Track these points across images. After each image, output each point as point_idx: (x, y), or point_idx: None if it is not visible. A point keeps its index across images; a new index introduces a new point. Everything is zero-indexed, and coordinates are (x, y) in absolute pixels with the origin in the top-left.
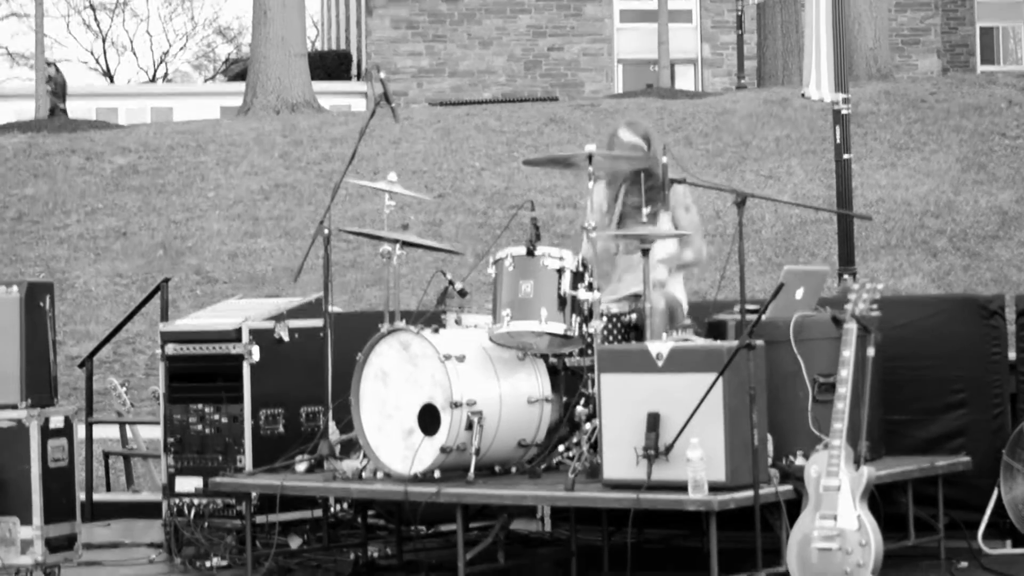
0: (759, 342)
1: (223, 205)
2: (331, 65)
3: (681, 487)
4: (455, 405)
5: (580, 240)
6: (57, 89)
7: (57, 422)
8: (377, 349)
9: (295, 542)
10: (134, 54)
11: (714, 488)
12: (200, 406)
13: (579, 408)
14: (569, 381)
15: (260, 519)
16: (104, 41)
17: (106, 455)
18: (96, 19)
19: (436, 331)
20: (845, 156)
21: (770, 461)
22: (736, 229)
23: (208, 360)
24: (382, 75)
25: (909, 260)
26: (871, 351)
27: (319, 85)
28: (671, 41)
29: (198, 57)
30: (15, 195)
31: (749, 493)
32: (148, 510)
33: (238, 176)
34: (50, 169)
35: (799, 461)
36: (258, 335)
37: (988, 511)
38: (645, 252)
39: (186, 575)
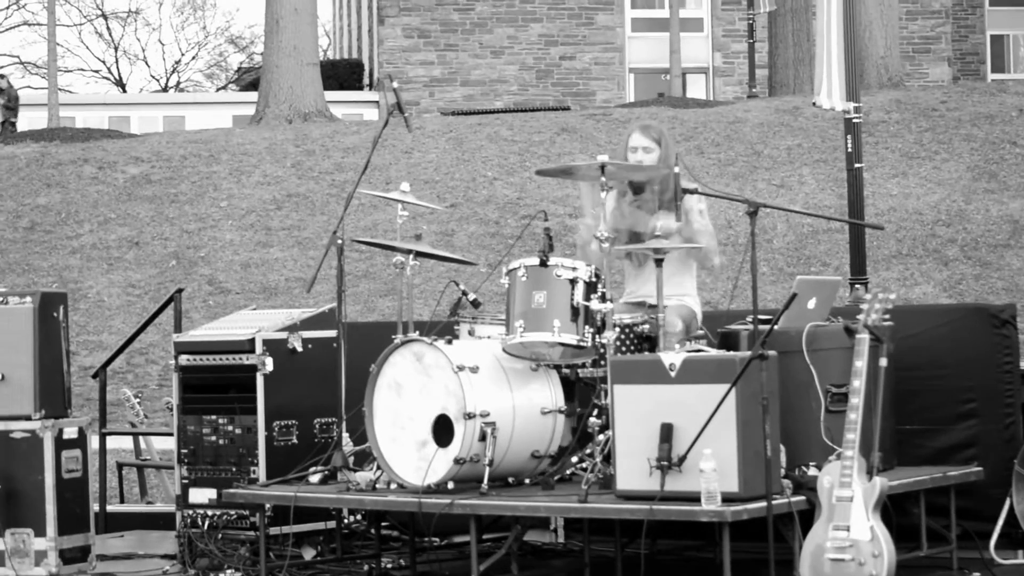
0: (772, 352)
1: (236, 215)
2: (343, 74)
3: (694, 498)
4: (468, 416)
5: (589, 249)
6: (10, 103)
7: (71, 433)
8: (391, 360)
9: (309, 553)
10: (146, 63)
11: (727, 499)
12: (214, 417)
13: (592, 419)
14: (582, 392)
15: (274, 530)
16: (116, 50)
17: (120, 466)
18: (108, 28)
19: (449, 342)
20: (856, 165)
21: (783, 472)
22: (748, 239)
23: (221, 371)
24: (395, 85)
25: (920, 269)
26: (884, 361)
27: (331, 94)
28: (682, 50)
29: (210, 66)
30: (28, 205)
31: (762, 504)
32: (162, 521)
33: (251, 186)
34: (63, 179)
35: (812, 472)
36: (271, 346)
37: (1000, 521)
38: (659, 262)
39: None
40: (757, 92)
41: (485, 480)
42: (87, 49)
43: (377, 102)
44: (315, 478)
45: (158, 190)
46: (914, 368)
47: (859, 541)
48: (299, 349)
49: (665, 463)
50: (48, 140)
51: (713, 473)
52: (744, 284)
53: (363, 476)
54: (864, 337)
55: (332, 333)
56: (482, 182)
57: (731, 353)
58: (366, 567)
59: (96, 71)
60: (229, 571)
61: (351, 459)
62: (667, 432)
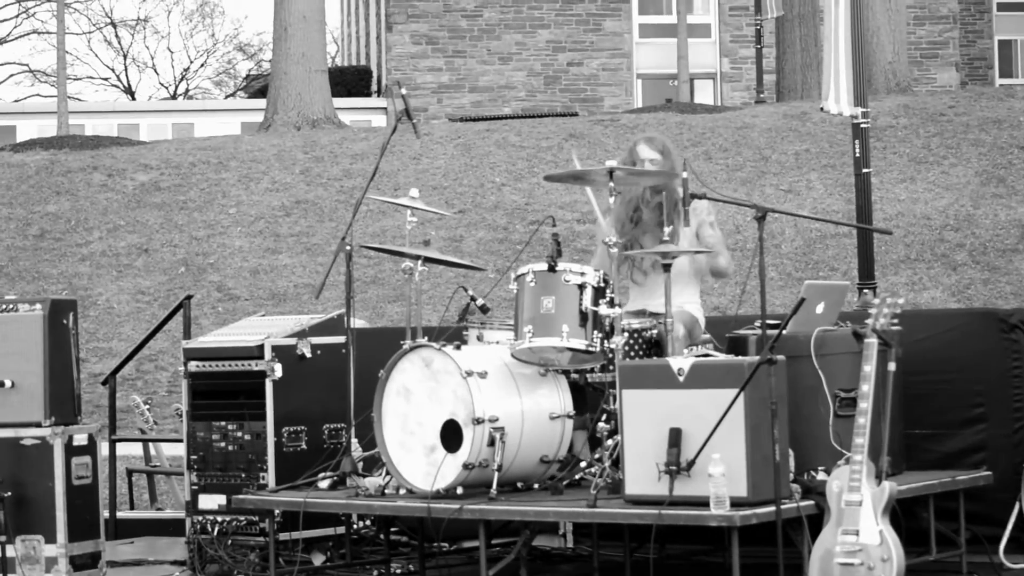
0: (780, 357)
1: (244, 222)
2: (351, 81)
3: (703, 503)
4: (477, 421)
5: (598, 254)
6: None
7: (81, 440)
8: (399, 366)
9: (318, 559)
10: (155, 71)
11: (736, 504)
12: (223, 423)
13: (601, 424)
14: (591, 397)
15: (283, 536)
16: (125, 58)
17: (129, 472)
18: (117, 36)
19: (458, 347)
20: (864, 170)
21: (792, 476)
22: (756, 244)
23: (231, 377)
24: (403, 91)
25: (929, 274)
26: (892, 366)
27: (339, 101)
28: (690, 56)
29: (219, 74)
30: (37, 212)
31: (771, 508)
32: (171, 527)
33: (259, 192)
34: (72, 186)
35: (821, 476)
36: (281, 352)
37: (1009, 525)
38: (666, 268)
39: None
40: (765, 97)
41: (494, 485)
42: (96, 57)
43: (385, 109)
44: (324, 484)
45: (167, 197)
46: (923, 372)
47: (868, 545)
48: (308, 355)
49: (674, 468)
50: (57, 148)
51: (722, 478)
52: (752, 289)
53: (372, 481)
54: (873, 342)
55: (341, 339)
56: (490, 188)
57: (739, 358)
58: (375, 572)
59: (105, 79)
60: None
61: (360, 464)
62: (676, 437)
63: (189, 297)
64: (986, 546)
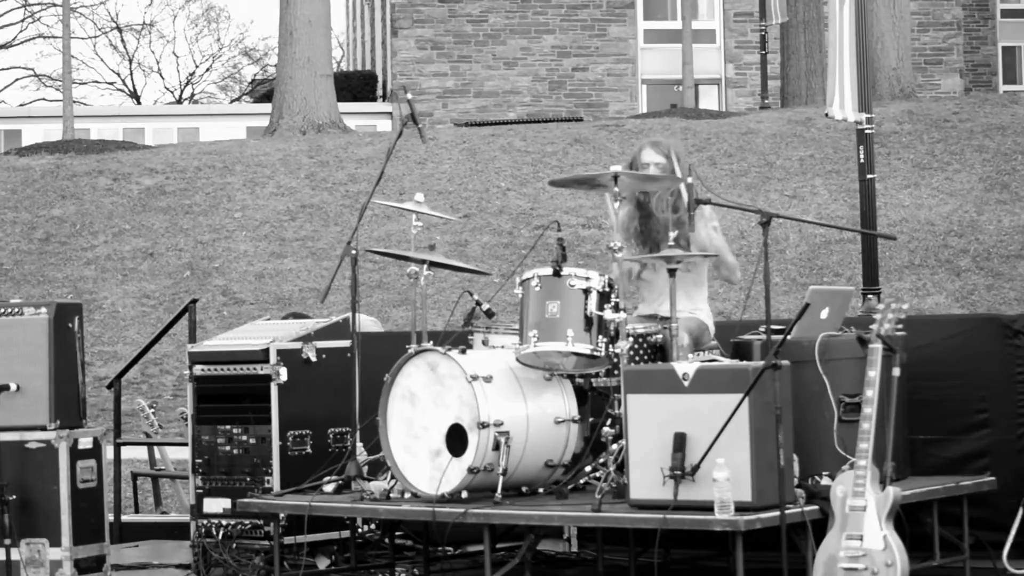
0: (785, 362)
1: (250, 226)
2: (356, 86)
3: (707, 507)
4: (482, 425)
5: (606, 260)
6: None
7: (86, 443)
8: (404, 370)
9: (323, 563)
10: (160, 75)
11: (740, 508)
12: (228, 427)
13: (606, 428)
14: (596, 401)
15: (288, 540)
16: (131, 62)
17: (134, 476)
18: (123, 40)
19: (463, 351)
20: (869, 176)
21: (796, 481)
22: (761, 249)
23: (236, 381)
24: (409, 96)
25: (933, 280)
26: (897, 371)
27: (344, 106)
28: (695, 61)
29: (224, 78)
30: (43, 216)
31: (775, 513)
32: (176, 531)
33: (264, 197)
34: (77, 190)
35: (825, 481)
36: (286, 356)
37: (1013, 530)
38: (672, 272)
39: None
40: (769, 103)
41: (499, 489)
42: (102, 61)
43: (390, 113)
44: (329, 487)
45: (172, 201)
46: (927, 378)
47: (872, 550)
48: (313, 359)
49: (678, 472)
50: (63, 152)
51: (726, 482)
52: (757, 294)
53: (377, 485)
54: (877, 347)
55: (346, 343)
56: (495, 193)
57: (744, 363)
58: None
59: (111, 83)
60: None
61: (365, 468)
62: (680, 441)
63: (194, 301)
64: (990, 551)
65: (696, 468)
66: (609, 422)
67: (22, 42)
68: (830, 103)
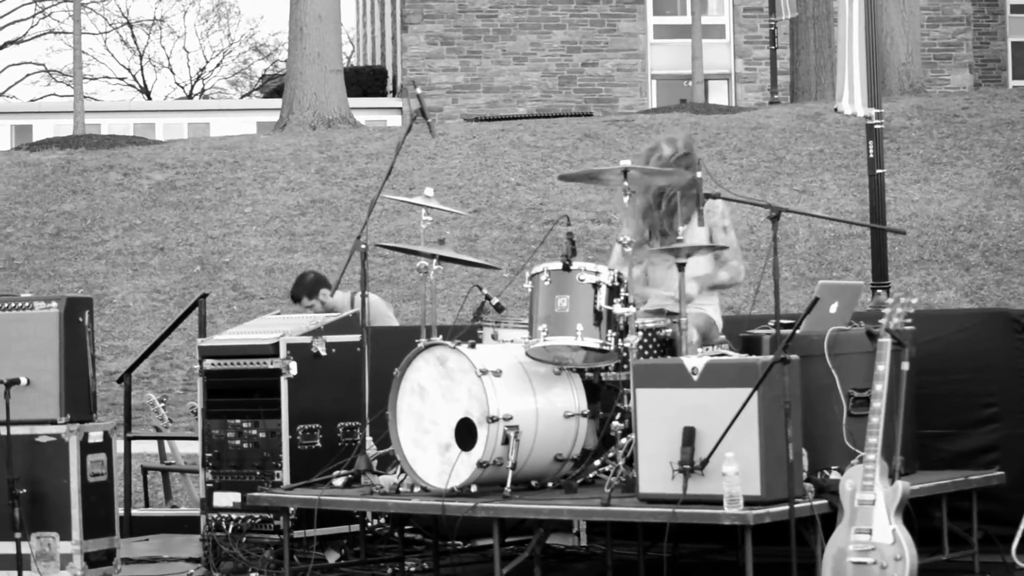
0: (794, 356)
1: (260, 221)
2: (366, 81)
3: (717, 501)
4: (492, 420)
5: (614, 254)
6: None
7: (96, 437)
8: (414, 364)
9: (332, 556)
10: (171, 71)
11: (749, 502)
12: (238, 421)
13: (615, 423)
14: (605, 395)
15: (298, 534)
16: (141, 58)
17: (144, 470)
18: (133, 36)
19: (473, 346)
20: (878, 171)
21: (805, 475)
22: (770, 244)
23: (246, 375)
24: (418, 91)
25: (942, 274)
26: (905, 365)
27: (354, 101)
28: (704, 56)
29: (234, 73)
30: (53, 211)
31: (784, 508)
32: (186, 525)
33: (275, 192)
34: (88, 185)
35: (834, 475)
36: (296, 350)
37: (1022, 525)
38: (680, 267)
39: None
40: (779, 98)
41: (508, 483)
42: (112, 57)
43: (400, 108)
44: (339, 481)
45: (183, 196)
46: (936, 372)
47: (881, 545)
48: (323, 353)
49: (688, 466)
50: (74, 147)
51: (735, 476)
52: (766, 289)
53: (387, 479)
54: (886, 341)
55: (356, 337)
56: (505, 188)
57: (753, 357)
58: (389, 570)
59: (121, 79)
60: (253, 574)
61: (375, 463)
62: (690, 436)
63: (204, 295)
64: (999, 546)
65: (705, 462)
66: (618, 416)
67: (33, 38)
68: (839, 98)
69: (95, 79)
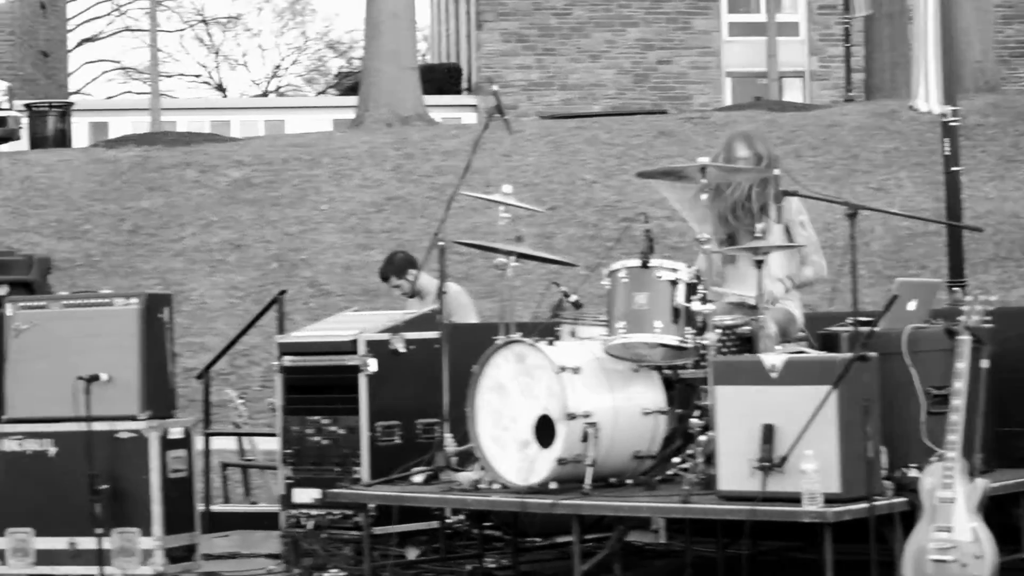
0: (872, 354)
1: (336, 218)
2: (441, 78)
3: (796, 499)
4: (570, 417)
5: (693, 252)
6: None
7: (176, 433)
8: (493, 361)
9: (412, 553)
10: (246, 68)
11: (829, 500)
12: (317, 418)
13: (693, 420)
14: (683, 393)
15: (378, 530)
16: (217, 55)
17: (224, 466)
18: (209, 33)
19: (551, 343)
20: (954, 168)
21: (884, 473)
22: (847, 242)
23: (325, 372)
24: (495, 88)
25: (1019, 272)
26: (985, 363)
27: (429, 98)
28: (779, 54)
29: (309, 71)
30: (131, 208)
31: (864, 505)
32: (266, 521)
33: (351, 189)
34: (165, 182)
35: (913, 473)
36: (374, 347)
37: None
38: (759, 264)
39: None
40: (854, 96)
41: (587, 480)
42: (188, 54)
43: (475, 106)
44: (418, 478)
45: (259, 193)
46: (1014, 370)
47: (961, 542)
48: (402, 350)
49: (767, 464)
50: (151, 144)
51: (815, 474)
52: (843, 286)
53: (466, 476)
54: (966, 339)
55: (434, 334)
56: (581, 185)
57: (832, 355)
58: (469, 567)
59: (197, 76)
60: (333, 570)
61: (454, 459)
62: (768, 433)
63: (283, 292)
64: None
65: (784, 460)
66: (697, 413)
67: (109, 35)
68: (915, 96)
69: (171, 76)
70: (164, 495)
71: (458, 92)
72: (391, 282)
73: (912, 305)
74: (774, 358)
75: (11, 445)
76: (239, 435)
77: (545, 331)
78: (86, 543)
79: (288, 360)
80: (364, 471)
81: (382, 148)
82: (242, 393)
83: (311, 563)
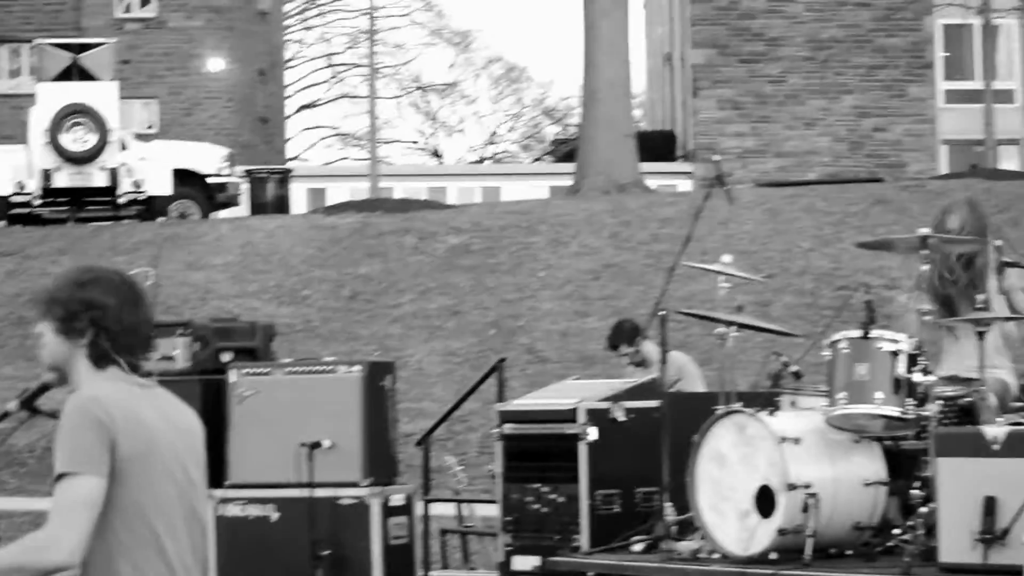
0: None
1: (554, 285)
2: (656, 145)
3: (1017, 572)
4: (791, 487)
5: (909, 321)
6: None
7: (398, 500)
8: (713, 431)
9: None
10: (463, 134)
11: None
12: (537, 485)
13: (914, 491)
14: (904, 464)
15: None
16: (434, 122)
17: (443, 532)
18: (426, 100)
19: (771, 413)
20: None
21: None
22: None
23: (545, 440)
24: (718, 158)
25: None
26: None
27: (644, 165)
28: (995, 121)
29: (525, 137)
30: (349, 274)
31: None
32: None
33: (568, 256)
34: (384, 249)
35: None
36: (595, 415)
37: None
38: (980, 336)
39: None
40: None
41: (807, 551)
42: (405, 121)
43: (691, 173)
44: (638, 547)
45: (477, 260)
46: None
47: None
48: (622, 419)
49: (988, 536)
50: (370, 211)
51: None
52: None
53: (685, 546)
54: None
55: (654, 403)
56: (797, 253)
57: None
58: None
59: (414, 142)
60: None
61: (674, 528)
62: (990, 505)
63: (503, 360)
64: None
65: (1006, 532)
66: (918, 485)
67: (327, 102)
68: None
69: (388, 143)
70: (385, 561)
71: (673, 159)
72: (620, 351)
73: None
74: (996, 430)
75: (234, 510)
76: (458, 502)
77: (765, 401)
78: None
79: (508, 428)
80: (584, 539)
81: (599, 215)
82: (461, 459)
83: None
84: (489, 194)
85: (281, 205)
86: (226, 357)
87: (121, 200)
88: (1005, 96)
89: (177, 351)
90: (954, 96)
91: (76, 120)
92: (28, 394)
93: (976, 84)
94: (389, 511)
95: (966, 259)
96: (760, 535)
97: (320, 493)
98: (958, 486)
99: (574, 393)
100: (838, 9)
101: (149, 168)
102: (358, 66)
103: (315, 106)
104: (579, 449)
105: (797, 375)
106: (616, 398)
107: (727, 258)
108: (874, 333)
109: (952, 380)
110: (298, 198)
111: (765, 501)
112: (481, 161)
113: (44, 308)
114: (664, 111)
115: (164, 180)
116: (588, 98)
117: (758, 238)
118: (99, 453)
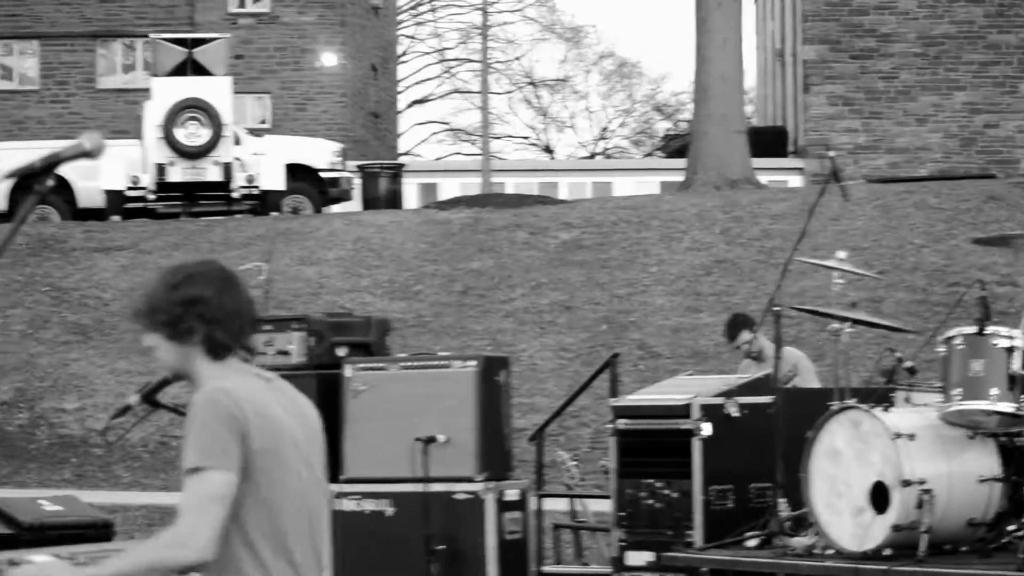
0: None
1: (665, 280)
2: (767, 141)
3: None
4: (906, 483)
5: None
6: None
7: (512, 495)
8: (828, 427)
9: None
10: (573, 130)
11: None
12: (650, 480)
13: None
14: (1019, 460)
15: None
16: (545, 117)
17: (556, 527)
18: (537, 96)
19: (886, 409)
20: None
21: None
22: None
23: (658, 435)
24: (833, 154)
25: None
26: None
27: (755, 161)
28: None
29: (636, 133)
30: (462, 269)
31: None
32: None
33: (680, 251)
34: (496, 244)
35: None
36: (708, 411)
37: None
38: None
39: None
40: None
41: (922, 547)
42: (516, 116)
43: (802, 169)
44: (752, 543)
45: (589, 255)
46: None
47: None
48: (735, 414)
49: None
50: (481, 206)
51: None
52: None
53: (799, 541)
54: None
55: (767, 399)
56: (909, 249)
57: None
58: None
59: (525, 138)
60: None
61: (787, 524)
62: None
63: (616, 355)
64: None
65: None
66: None
67: (439, 97)
68: None
69: (499, 138)
70: (499, 556)
71: (784, 155)
72: (739, 339)
73: None
74: None
75: (349, 505)
76: (571, 497)
77: (880, 397)
78: None
79: (622, 423)
80: (697, 534)
81: (711, 211)
82: (573, 455)
83: None
84: (600, 189)
85: (393, 200)
86: (341, 352)
87: (234, 195)
88: None
89: (292, 346)
90: None
91: (190, 115)
92: (149, 388)
93: None
94: (504, 506)
95: None
96: (874, 531)
97: (435, 488)
98: None
99: (687, 389)
100: (950, 5)
101: (262, 163)
102: (470, 61)
103: (427, 101)
104: (693, 445)
105: (911, 371)
106: (730, 394)
107: (842, 254)
108: (989, 329)
109: None
110: (410, 193)
111: (879, 497)
112: (592, 156)
113: (147, 319)
114: (775, 107)
115: (277, 175)
116: (700, 93)
117: (870, 234)
118: (231, 447)
